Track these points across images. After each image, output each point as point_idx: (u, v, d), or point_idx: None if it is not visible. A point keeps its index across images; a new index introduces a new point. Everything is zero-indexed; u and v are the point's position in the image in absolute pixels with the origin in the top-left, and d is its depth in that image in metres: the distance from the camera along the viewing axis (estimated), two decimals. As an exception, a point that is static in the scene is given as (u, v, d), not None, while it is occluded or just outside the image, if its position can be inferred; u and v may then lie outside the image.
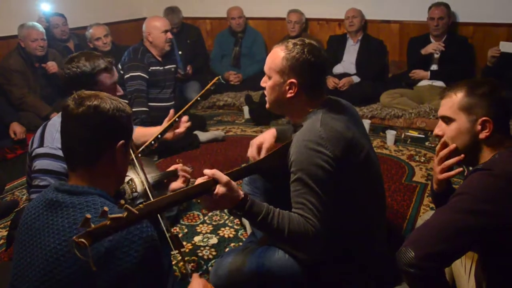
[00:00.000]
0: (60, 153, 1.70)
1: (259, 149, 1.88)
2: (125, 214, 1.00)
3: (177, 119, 2.16)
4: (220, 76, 2.34)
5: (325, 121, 1.54)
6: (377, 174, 1.73)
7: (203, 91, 2.25)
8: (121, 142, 1.18)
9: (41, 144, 1.75)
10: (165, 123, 2.18)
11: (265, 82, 1.66)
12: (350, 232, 1.60)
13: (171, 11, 4.70)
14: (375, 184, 1.72)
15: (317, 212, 1.45)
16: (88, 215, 0.92)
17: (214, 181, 1.37)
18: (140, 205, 1.08)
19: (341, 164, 1.49)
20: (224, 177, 1.38)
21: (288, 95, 1.58)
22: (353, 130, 1.59)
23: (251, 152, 1.88)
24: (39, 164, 1.71)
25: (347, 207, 1.55)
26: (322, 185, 1.46)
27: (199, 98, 2.21)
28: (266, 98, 1.67)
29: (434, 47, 3.88)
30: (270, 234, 1.57)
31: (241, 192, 1.43)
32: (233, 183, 1.41)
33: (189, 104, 2.21)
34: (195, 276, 1.44)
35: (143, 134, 2.20)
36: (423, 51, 3.91)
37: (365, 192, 1.63)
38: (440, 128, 1.46)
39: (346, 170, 1.51)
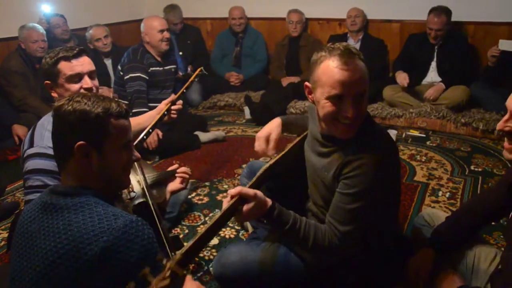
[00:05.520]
0: (50, 151, 1.69)
1: (267, 141, 1.81)
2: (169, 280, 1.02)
3: (165, 112, 2.17)
4: (202, 67, 2.34)
5: (386, 138, 1.53)
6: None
7: (187, 83, 2.27)
8: (78, 143, 1.15)
9: (31, 145, 1.72)
10: (155, 112, 2.20)
11: (356, 109, 1.43)
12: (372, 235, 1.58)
13: (172, 8, 4.72)
14: (400, 184, 1.72)
15: (351, 229, 1.45)
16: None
17: (241, 200, 1.37)
18: (178, 256, 1.09)
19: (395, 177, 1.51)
20: (250, 192, 1.37)
21: None
22: None
23: (260, 145, 1.81)
24: (30, 164, 1.67)
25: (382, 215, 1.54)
26: (372, 205, 1.45)
27: (185, 91, 2.25)
28: (357, 125, 1.48)
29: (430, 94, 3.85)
30: (295, 242, 1.56)
31: (269, 200, 1.43)
32: (260, 193, 1.41)
33: (175, 96, 2.22)
34: (188, 278, 1.43)
35: (137, 122, 2.19)
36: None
37: (396, 195, 1.64)
38: None
39: (395, 179, 1.53)
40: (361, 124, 1.49)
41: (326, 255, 1.49)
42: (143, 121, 2.20)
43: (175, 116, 2.22)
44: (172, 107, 2.18)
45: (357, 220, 1.45)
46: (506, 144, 1.35)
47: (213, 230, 1.28)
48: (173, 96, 2.22)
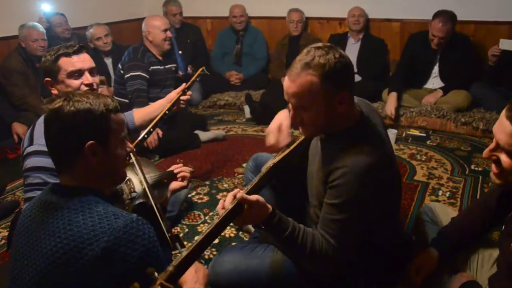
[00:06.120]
0: None
1: (279, 131, 1.76)
2: None
3: (167, 111, 2.19)
4: (204, 67, 2.37)
5: (376, 145, 1.46)
6: (398, 176, 1.68)
7: (189, 83, 2.29)
8: (89, 142, 1.15)
9: (30, 143, 1.71)
10: (164, 101, 2.23)
11: (298, 117, 1.45)
12: (369, 241, 1.55)
13: (171, 0, 4.72)
14: (399, 189, 1.69)
15: (343, 240, 1.42)
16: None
17: (241, 205, 1.33)
18: (170, 269, 1.04)
19: (385, 186, 1.48)
20: (252, 199, 1.34)
21: (340, 109, 1.42)
22: (387, 139, 1.56)
23: (273, 138, 1.75)
24: (30, 162, 1.67)
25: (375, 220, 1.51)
26: (360, 215, 1.42)
27: (186, 90, 2.27)
28: (308, 131, 1.50)
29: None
30: (291, 250, 1.54)
31: (269, 207, 1.40)
32: (261, 198, 1.38)
33: (186, 85, 2.25)
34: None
35: (148, 112, 2.23)
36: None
37: (393, 200, 1.63)
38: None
39: (386, 188, 1.49)
40: (357, 128, 1.47)
41: (323, 263, 1.47)
42: (153, 110, 2.22)
43: (183, 106, 2.27)
44: (181, 97, 2.21)
45: (347, 231, 1.42)
46: (493, 168, 1.32)
47: (210, 238, 1.24)
48: (184, 85, 2.24)
